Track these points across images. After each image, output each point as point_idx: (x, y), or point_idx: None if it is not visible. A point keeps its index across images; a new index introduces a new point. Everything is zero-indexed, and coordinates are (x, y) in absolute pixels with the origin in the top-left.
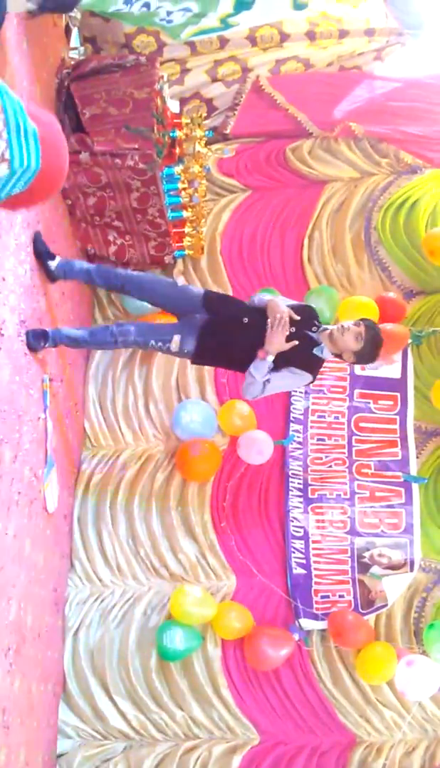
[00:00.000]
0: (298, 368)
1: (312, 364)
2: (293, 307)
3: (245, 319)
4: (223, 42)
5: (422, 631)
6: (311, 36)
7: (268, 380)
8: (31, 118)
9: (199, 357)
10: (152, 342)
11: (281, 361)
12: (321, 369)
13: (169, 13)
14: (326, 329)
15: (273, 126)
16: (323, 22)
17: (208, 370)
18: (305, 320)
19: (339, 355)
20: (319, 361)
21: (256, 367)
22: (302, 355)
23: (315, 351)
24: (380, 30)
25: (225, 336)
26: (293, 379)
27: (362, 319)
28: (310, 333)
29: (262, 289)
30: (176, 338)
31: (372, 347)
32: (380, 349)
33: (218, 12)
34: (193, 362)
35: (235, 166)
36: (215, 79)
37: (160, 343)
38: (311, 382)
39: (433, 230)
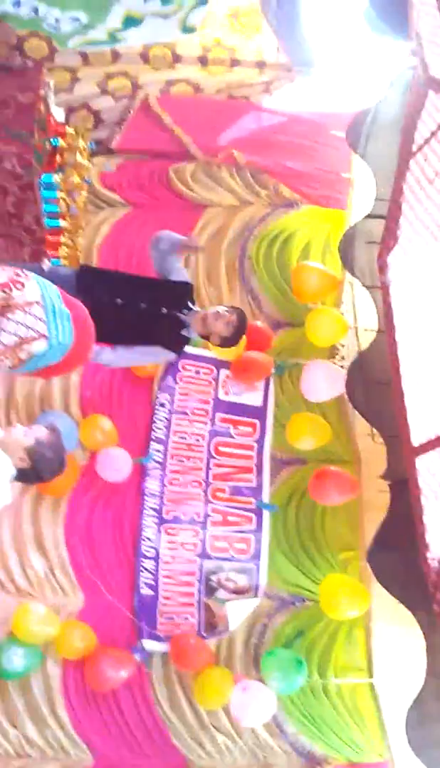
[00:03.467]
0: (163, 347)
1: (178, 344)
2: (171, 285)
3: (119, 300)
4: (115, 56)
5: (261, 657)
6: (203, 61)
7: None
8: (64, 302)
9: None
10: None
11: (146, 338)
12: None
13: (57, 20)
14: (198, 312)
15: (158, 145)
16: (216, 49)
17: (73, 382)
18: (178, 300)
19: (205, 337)
20: (185, 341)
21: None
22: (170, 335)
23: (183, 332)
24: (271, 64)
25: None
26: (154, 356)
27: (234, 308)
28: (181, 315)
29: None
30: None
31: (237, 335)
32: (242, 336)
33: (107, 25)
34: None
35: (118, 180)
36: (104, 92)
37: None
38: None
39: (302, 264)
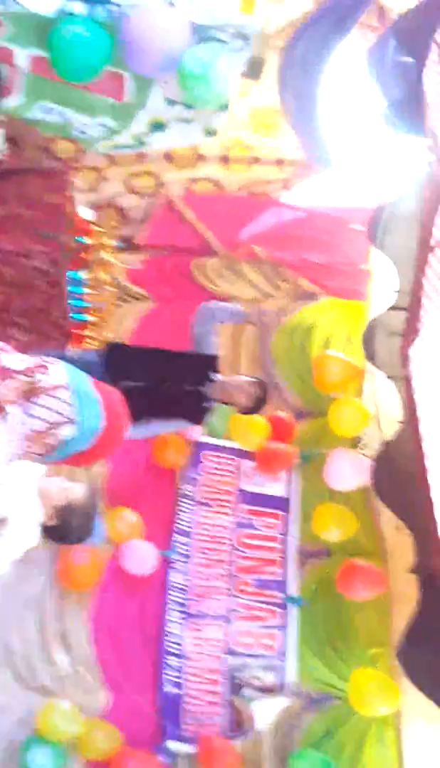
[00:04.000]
0: (186, 420)
1: (200, 416)
2: (195, 359)
3: (143, 384)
4: (140, 156)
5: (288, 758)
6: (224, 160)
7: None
8: (95, 386)
9: None
10: None
11: (169, 414)
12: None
13: (85, 126)
14: (220, 382)
15: (182, 241)
16: (237, 148)
17: (100, 474)
18: (202, 374)
19: (226, 403)
20: (208, 411)
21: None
22: (192, 409)
23: (205, 404)
24: (290, 161)
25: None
26: (175, 427)
27: (256, 379)
28: (202, 389)
29: None
30: None
31: (257, 406)
32: (263, 405)
33: (132, 130)
34: None
35: (144, 275)
36: (130, 190)
37: None
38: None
39: (323, 354)
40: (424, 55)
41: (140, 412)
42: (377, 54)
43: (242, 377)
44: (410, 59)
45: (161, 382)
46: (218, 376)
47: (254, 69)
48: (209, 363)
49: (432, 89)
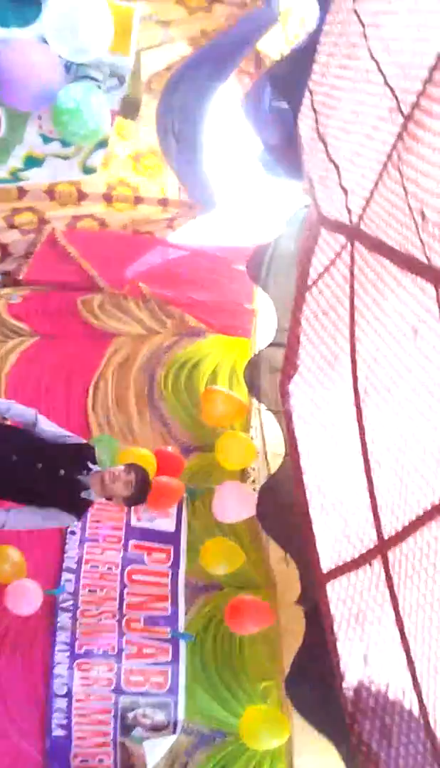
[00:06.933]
0: (63, 511)
1: (79, 506)
2: (69, 446)
3: (14, 457)
4: (22, 192)
5: None
6: (108, 198)
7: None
8: None
9: None
10: None
11: (43, 499)
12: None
13: None
14: (96, 472)
15: (65, 277)
16: (121, 187)
17: None
18: (77, 462)
19: (109, 498)
20: (87, 503)
21: None
22: (69, 498)
23: (84, 494)
24: (173, 201)
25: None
26: (55, 520)
27: (130, 465)
28: (80, 477)
29: None
30: None
31: (140, 493)
32: (147, 493)
33: (8, 165)
34: None
35: (25, 310)
36: (12, 226)
37: None
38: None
39: (209, 388)
40: (298, 101)
41: (12, 492)
42: (253, 99)
43: (116, 467)
44: (285, 105)
45: (33, 462)
46: (95, 467)
47: (130, 108)
48: (85, 451)
49: (306, 134)
